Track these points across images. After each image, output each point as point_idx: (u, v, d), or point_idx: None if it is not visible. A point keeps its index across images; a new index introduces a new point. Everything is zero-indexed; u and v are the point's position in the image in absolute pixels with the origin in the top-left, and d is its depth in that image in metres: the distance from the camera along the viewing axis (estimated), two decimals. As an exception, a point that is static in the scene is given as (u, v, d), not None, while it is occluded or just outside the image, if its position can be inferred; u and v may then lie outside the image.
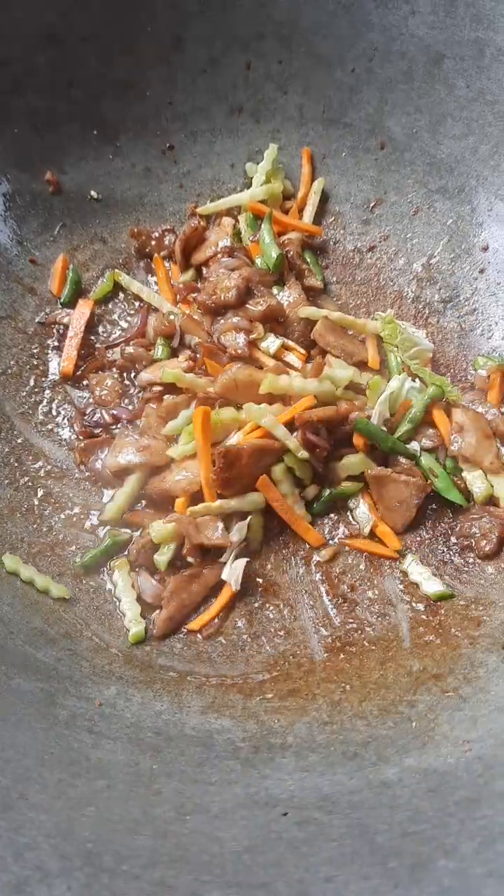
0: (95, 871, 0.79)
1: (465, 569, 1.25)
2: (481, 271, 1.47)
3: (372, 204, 1.53)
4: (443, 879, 0.78)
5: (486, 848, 0.80)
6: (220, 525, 1.22)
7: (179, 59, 1.49)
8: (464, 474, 1.31)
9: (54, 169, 1.50)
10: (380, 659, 1.15)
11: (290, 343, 1.38)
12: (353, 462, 1.28)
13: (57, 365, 1.42)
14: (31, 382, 1.40)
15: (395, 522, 1.28)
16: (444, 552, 1.27)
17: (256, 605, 1.23)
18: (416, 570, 1.24)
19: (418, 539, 1.29)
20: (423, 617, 1.20)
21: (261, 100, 1.52)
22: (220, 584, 1.22)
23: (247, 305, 1.36)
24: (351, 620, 1.21)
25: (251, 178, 1.52)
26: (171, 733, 1.04)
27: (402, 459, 1.30)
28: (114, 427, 1.36)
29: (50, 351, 1.43)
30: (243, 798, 0.93)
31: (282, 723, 1.07)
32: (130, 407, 1.37)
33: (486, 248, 1.47)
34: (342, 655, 1.16)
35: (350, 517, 1.31)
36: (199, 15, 1.46)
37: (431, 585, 1.22)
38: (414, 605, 1.22)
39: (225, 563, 1.22)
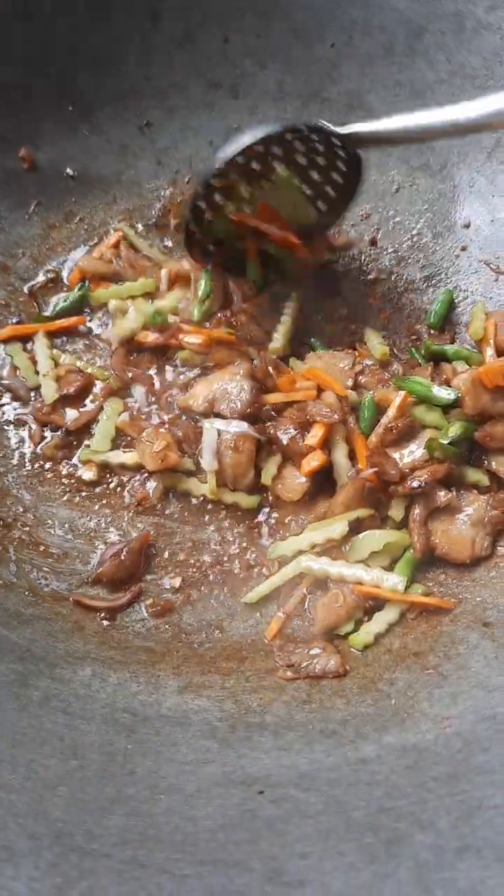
0: (65, 850, 0.78)
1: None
2: (463, 248, 1.45)
3: (352, 181, 1.51)
4: (419, 854, 0.77)
5: (463, 822, 0.79)
6: None
7: (156, 33, 1.46)
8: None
9: (28, 146, 1.47)
10: (360, 637, 1.13)
11: None
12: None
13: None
14: None
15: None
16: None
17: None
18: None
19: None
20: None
21: (239, 75, 1.50)
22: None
23: None
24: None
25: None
26: (146, 714, 1.03)
27: None
28: None
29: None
30: (219, 777, 0.92)
31: (260, 702, 1.05)
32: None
33: (467, 226, 1.45)
34: (322, 634, 1.15)
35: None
36: (176, -12, 1.43)
37: None
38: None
39: None
